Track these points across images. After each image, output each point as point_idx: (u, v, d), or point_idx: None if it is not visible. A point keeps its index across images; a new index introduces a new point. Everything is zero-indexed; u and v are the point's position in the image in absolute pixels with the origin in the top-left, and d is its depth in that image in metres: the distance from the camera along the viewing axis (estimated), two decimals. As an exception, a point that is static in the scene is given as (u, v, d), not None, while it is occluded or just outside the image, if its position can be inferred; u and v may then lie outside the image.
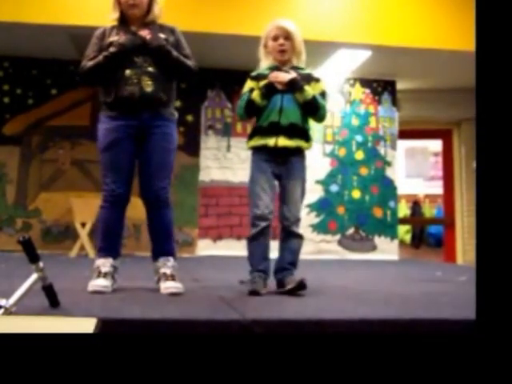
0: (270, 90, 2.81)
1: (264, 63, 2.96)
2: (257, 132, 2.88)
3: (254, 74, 2.95)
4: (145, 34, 2.72)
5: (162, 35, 2.77)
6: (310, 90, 2.84)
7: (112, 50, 2.70)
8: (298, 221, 2.84)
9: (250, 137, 2.91)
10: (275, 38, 2.86)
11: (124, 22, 2.81)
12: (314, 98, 2.83)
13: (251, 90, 2.87)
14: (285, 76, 2.81)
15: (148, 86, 2.69)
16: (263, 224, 2.78)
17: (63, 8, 5.10)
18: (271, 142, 2.80)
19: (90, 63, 2.74)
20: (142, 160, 2.78)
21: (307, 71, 2.94)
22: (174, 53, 2.75)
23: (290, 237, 2.83)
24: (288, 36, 2.85)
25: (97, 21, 2.84)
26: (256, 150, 2.89)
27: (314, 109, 2.86)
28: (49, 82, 6.29)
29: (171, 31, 2.84)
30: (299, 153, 2.88)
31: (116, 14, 2.81)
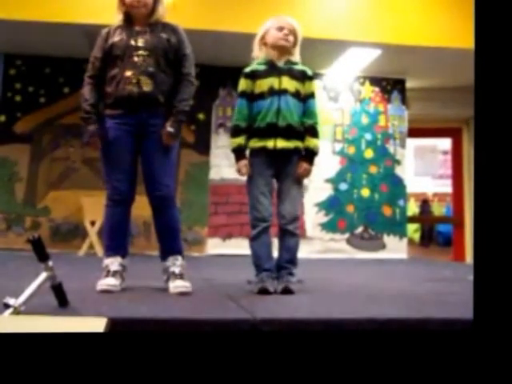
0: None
1: (257, 55, 2.94)
2: (255, 133, 2.86)
3: (248, 70, 2.92)
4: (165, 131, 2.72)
5: (163, 35, 2.77)
6: (316, 145, 2.89)
7: (84, 115, 2.74)
8: (294, 219, 2.84)
9: (248, 138, 2.90)
10: (280, 29, 2.86)
11: (129, 21, 2.81)
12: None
13: (243, 93, 2.89)
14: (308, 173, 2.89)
15: (147, 85, 2.69)
16: (264, 224, 2.81)
17: (78, 6, 5.11)
18: (270, 144, 2.81)
19: (84, 96, 2.77)
20: (144, 159, 2.77)
21: (301, 67, 2.92)
22: (186, 108, 2.76)
23: (286, 235, 2.84)
24: (292, 32, 2.87)
25: (112, 19, 2.83)
26: (255, 152, 2.88)
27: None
28: (61, 81, 6.25)
29: (173, 30, 2.82)
30: (297, 153, 2.88)
31: (120, 16, 2.82)
